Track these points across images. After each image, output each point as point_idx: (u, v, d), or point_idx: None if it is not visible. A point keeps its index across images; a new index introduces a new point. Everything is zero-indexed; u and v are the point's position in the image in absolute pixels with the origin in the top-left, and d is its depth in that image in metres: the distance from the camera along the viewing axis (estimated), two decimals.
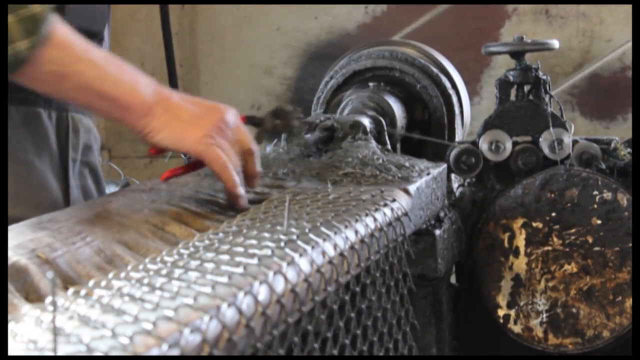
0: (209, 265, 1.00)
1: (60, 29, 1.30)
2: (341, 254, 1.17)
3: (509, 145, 2.25)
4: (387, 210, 1.38)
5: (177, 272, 0.98)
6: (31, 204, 1.55)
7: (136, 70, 1.39)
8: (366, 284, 1.22)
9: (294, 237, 1.12)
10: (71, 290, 0.94)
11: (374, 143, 1.94)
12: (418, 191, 1.64)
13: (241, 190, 1.39)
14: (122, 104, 1.34)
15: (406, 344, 1.33)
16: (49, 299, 0.91)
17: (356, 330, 1.16)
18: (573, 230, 2.17)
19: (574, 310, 2.17)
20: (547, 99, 2.27)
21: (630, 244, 2.13)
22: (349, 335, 1.13)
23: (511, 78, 2.29)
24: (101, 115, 1.40)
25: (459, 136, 2.48)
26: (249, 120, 1.57)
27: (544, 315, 2.18)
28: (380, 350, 1.25)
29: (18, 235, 1.17)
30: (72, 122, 1.69)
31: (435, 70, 2.45)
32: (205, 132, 1.37)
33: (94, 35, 1.83)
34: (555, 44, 2.31)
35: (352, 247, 1.21)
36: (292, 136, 1.62)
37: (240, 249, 1.07)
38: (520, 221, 2.19)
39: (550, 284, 2.18)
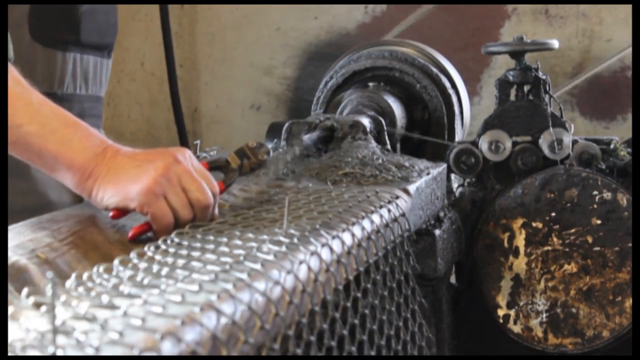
0: (210, 265, 1.00)
1: (9, 80, 1.20)
2: (341, 254, 1.17)
3: (508, 145, 2.25)
4: (386, 211, 1.38)
5: (178, 271, 0.98)
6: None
7: (89, 129, 1.28)
8: (376, 280, 1.22)
9: (294, 237, 1.12)
10: (71, 289, 0.94)
11: (373, 143, 1.94)
12: (418, 191, 1.64)
13: None
14: (64, 163, 1.24)
15: (423, 337, 1.34)
16: (49, 299, 0.91)
17: (372, 326, 1.16)
18: (573, 230, 2.17)
19: (573, 310, 2.17)
20: (547, 99, 2.27)
21: (630, 244, 2.13)
22: (350, 333, 1.13)
23: (511, 78, 2.29)
24: (46, 172, 1.28)
25: (458, 136, 2.48)
26: (213, 166, 1.42)
27: (544, 315, 2.18)
28: (398, 344, 1.26)
29: (18, 235, 1.17)
30: None
31: (434, 70, 2.45)
32: (149, 184, 1.24)
33: (105, 48, 1.82)
34: (555, 44, 2.31)
35: (351, 247, 1.21)
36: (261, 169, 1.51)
37: (240, 250, 1.07)
38: (520, 221, 2.19)
39: (550, 284, 2.18)
